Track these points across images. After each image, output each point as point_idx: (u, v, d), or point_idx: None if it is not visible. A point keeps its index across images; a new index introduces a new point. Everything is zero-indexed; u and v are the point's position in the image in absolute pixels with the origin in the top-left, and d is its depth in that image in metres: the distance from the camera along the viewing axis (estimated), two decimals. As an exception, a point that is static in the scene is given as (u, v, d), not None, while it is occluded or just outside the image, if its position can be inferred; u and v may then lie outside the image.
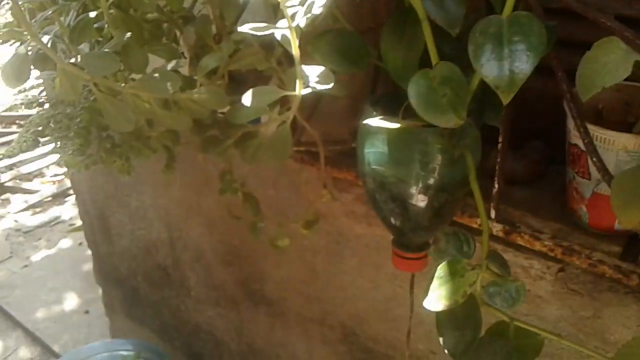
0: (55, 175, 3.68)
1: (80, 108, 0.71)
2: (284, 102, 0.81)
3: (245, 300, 1.32)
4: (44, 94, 0.98)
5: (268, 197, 1.07)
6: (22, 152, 0.74)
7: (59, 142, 0.72)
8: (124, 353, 1.69)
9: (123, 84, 0.68)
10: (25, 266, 2.82)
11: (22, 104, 0.87)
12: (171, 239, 1.41)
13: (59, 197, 3.46)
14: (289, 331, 1.26)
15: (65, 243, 3.01)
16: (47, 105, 0.79)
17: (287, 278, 1.18)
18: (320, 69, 0.62)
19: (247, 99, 0.66)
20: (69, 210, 3.32)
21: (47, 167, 3.73)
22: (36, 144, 0.76)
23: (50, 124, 0.72)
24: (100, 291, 2.61)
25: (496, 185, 0.74)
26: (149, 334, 1.72)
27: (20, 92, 0.85)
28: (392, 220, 0.70)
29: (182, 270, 1.44)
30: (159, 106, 0.72)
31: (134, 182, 1.38)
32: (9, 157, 0.73)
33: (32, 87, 0.90)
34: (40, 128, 0.79)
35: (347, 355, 1.16)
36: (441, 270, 0.60)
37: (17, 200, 3.45)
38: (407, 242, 0.72)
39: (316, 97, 0.82)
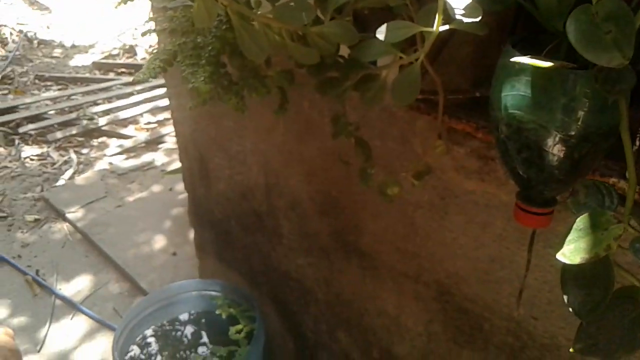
0: (149, 123, 3.84)
1: (211, 37, 0.71)
2: (410, 44, 0.78)
3: (338, 251, 1.32)
4: (157, 27, 1.00)
5: (374, 148, 1.06)
6: (151, 77, 0.76)
7: (189, 70, 0.73)
8: (213, 294, 1.76)
9: (257, 12, 0.67)
10: (119, 206, 2.98)
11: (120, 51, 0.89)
12: (268, 185, 1.43)
13: (151, 144, 3.60)
14: (380, 285, 1.25)
15: (157, 187, 3.14)
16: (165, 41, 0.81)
17: (384, 231, 1.17)
18: (466, 1, 0.59)
19: (381, 33, 0.64)
20: (161, 156, 3.46)
21: (141, 115, 3.89)
22: (164, 71, 0.77)
23: (182, 52, 0.73)
24: (190, 234, 2.71)
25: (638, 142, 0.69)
26: (237, 277, 1.77)
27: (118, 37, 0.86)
28: (522, 171, 0.67)
29: (275, 218, 1.46)
30: (288, 39, 0.71)
31: (236, 126, 1.41)
32: (139, 82, 0.75)
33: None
34: (166, 57, 0.81)
35: (440, 313, 1.14)
36: (581, 222, 0.56)
37: (113, 144, 3.62)
38: (535, 195, 0.68)
39: (444, 40, 0.79)
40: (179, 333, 1.72)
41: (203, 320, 1.75)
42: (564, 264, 0.56)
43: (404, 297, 1.21)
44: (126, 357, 1.59)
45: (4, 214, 2.98)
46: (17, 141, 3.62)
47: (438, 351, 1.19)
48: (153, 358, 1.63)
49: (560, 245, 0.58)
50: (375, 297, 1.28)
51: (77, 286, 2.53)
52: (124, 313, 2.36)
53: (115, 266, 2.60)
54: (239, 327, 1.66)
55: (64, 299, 2.46)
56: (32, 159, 3.47)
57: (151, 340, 1.68)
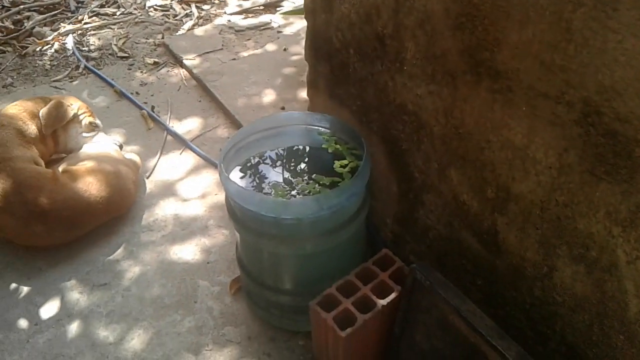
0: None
1: None
2: None
3: (467, 74, 1.19)
4: None
5: None
6: None
7: None
8: (321, 129, 1.71)
9: None
10: (233, 59, 2.97)
11: None
12: (398, 1, 1.30)
13: (270, 7, 3.53)
14: (510, 111, 1.12)
15: (272, 47, 3.10)
16: None
17: (529, 41, 1.02)
18: None
19: None
20: (278, 19, 3.39)
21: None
22: None
23: None
24: (299, 93, 2.68)
25: None
26: (347, 115, 1.70)
27: None
28: None
29: (400, 39, 1.34)
30: None
31: None
32: None
33: None
34: None
35: (579, 140, 1.00)
36: None
37: (232, 3, 3.59)
38: None
39: None
40: (282, 161, 1.70)
41: (307, 153, 1.72)
42: None
43: (537, 124, 1.08)
44: (230, 175, 1.59)
45: (126, 55, 3.07)
46: (143, -9, 3.68)
47: (567, 186, 1.06)
48: (254, 179, 1.62)
49: None
50: (502, 126, 1.16)
51: (187, 126, 2.59)
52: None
53: (226, 112, 2.63)
54: (344, 162, 1.61)
55: (175, 135, 2.53)
56: (155, 9, 3.52)
57: (254, 163, 1.68)
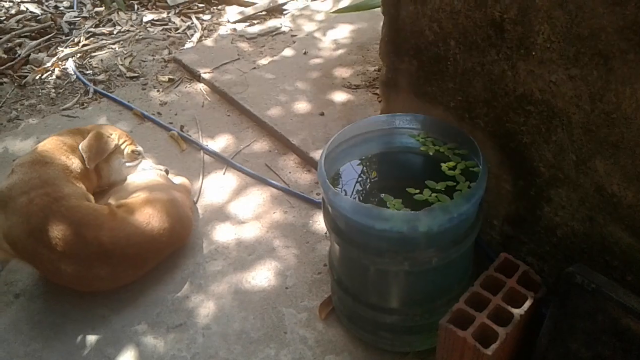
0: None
1: None
2: None
3: (626, 53, 1.08)
4: None
5: None
6: None
7: None
8: (413, 131, 1.58)
9: None
10: (254, 68, 2.81)
11: None
12: (526, -19, 1.19)
13: (273, 12, 3.38)
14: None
15: (289, 52, 2.95)
16: None
17: None
18: None
19: None
20: (287, 22, 3.24)
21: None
22: None
23: None
24: (335, 97, 2.55)
25: None
26: (441, 113, 1.58)
27: None
28: None
29: (528, 24, 1.23)
30: None
31: None
32: None
33: None
34: None
35: None
36: None
37: (232, 11, 3.42)
38: None
39: None
40: (379, 168, 1.56)
41: (405, 158, 1.58)
42: None
43: None
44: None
45: (136, 74, 2.87)
46: (136, 6, 3.47)
47: None
48: (353, 191, 1.48)
49: None
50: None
51: (221, 143, 2.42)
52: (282, 169, 2.26)
53: (261, 124, 2.47)
54: (451, 163, 1.48)
55: (214, 154, 2.36)
56: (153, 24, 3.32)
57: (349, 173, 1.53)
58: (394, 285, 1.48)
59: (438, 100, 1.55)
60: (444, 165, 1.48)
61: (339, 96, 2.57)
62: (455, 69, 1.46)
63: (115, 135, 1.97)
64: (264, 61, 2.87)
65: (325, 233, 2.00)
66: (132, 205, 1.76)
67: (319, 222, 2.03)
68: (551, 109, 1.28)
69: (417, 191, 1.42)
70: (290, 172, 2.25)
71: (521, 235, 1.53)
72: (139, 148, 2.02)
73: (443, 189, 1.42)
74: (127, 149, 1.97)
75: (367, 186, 1.53)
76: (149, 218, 1.74)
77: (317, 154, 2.23)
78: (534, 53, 1.25)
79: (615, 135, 1.18)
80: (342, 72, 2.73)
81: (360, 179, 1.54)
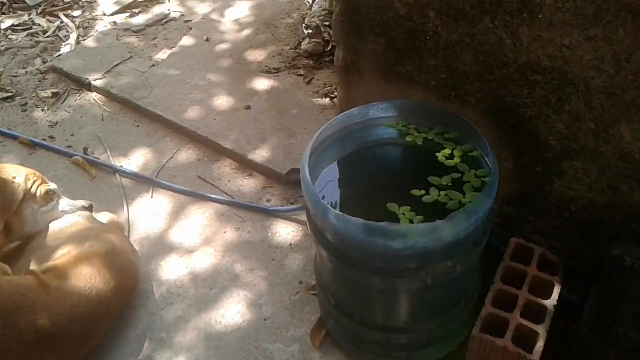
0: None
1: None
2: None
3: (663, 3, 0.94)
4: None
5: None
6: None
7: None
8: (389, 120, 1.37)
9: None
10: (153, 66, 2.43)
11: None
12: None
13: (154, -4, 2.96)
14: None
15: (188, 40, 2.59)
16: None
17: None
18: None
19: None
20: (175, 6, 2.86)
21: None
22: None
23: None
24: (257, 84, 2.27)
25: None
26: (419, 94, 1.38)
27: None
28: None
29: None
30: None
31: None
32: None
33: None
34: None
35: None
36: None
37: (105, 3, 2.96)
38: None
39: None
40: (366, 170, 1.35)
41: (392, 153, 1.38)
42: None
43: None
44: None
45: (9, 93, 2.38)
46: (-14, 10, 2.89)
47: None
48: (346, 201, 1.26)
49: None
50: None
51: (137, 160, 2.07)
52: (219, 179, 1.96)
53: (180, 130, 2.13)
54: (446, 151, 1.30)
55: (134, 175, 2.00)
56: (14, 30, 2.78)
57: (333, 179, 1.30)
58: (409, 303, 1.29)
59: (415, 80, 1.35)
60: (440, 155, 1.29)
61: (261, 83, 2.29)
62: (436, 43, 1.25)
63: (21, 177, 1.54)
64: (161, 55, 2.49)
65: (291, 244, 1.76)
66: (64, 267, 1.40)
67: (279, 233, 1.79)
68: (564, 76, 1.13)
69: (423, 192, 1.22)
70: (229, 181, 1.97)
71: (526, 214, 1.39)
72: (52, 185, 1.62)
73: (450, 184, 1.24)
74: (39, 190, 1.56)
75: (361, 193, 1.31)
76: (90, 280, 1.39)
77: (256, 155, 1.96)
78: (541, 16, 1.08)
79: (645, 97, 1.05)
80: (256, 55, 2.44)
81: (348, 185, 1.32)
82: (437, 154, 1.30)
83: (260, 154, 1.97)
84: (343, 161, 1.35)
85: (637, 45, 1.01)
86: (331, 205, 1.15)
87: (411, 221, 1.16)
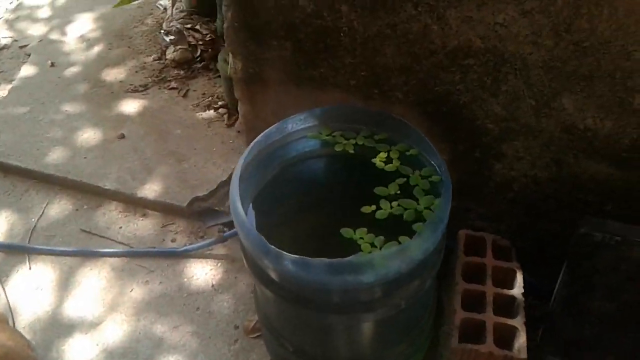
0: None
1: None
2: None
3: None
4: None
5: None
6: None
7: None
8: (311, 132, 1.21)
9: None
10: (-9, 106, 2.03)
11: None
12: None
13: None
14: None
15: (30, 70, 2.21)
16: None
17: None
18: None
19: None
20: (3, 31, 2.43)
21: None
22: None
23: None
24: (133, 109, 1.97)
25: None
26: (338, 97, 1.23)
27: None
28: None
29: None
30: None
31: None
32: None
33: None
34: None
35: None
36: None
37: None
38: None
39: None
40: (299, 188, 1.18)
41: (324, 167, 1.22)
42: None
43: None
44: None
45: None
46: None
47: None
48: (281, 234, 1.08)
49: None
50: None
51: (0, 227, 1.70)
52: (107, 228, 1.67)
53: (45, 179, 1.79)
54: (382, 155, 1.17)
55: (1, 247, 1.64)
56: None
57: (261, 212, 1.12)
58: (380, 331, 1.14)
59: (331, 82, 1.20)
60: (377, 161, 1.16)
61: (130, 106, 2.01)
62: (352, 39, 1.11)
63: None
64: (0, 93, 2.09)
65: (213, 285, 1.55)
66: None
67: (196, 276, 1.56)
68: (499, 55, 1.04)
69: (373, 207, 1.08)
70: (121, 228, 1.69)
71: (467, 202, 1.32)
72: None
73: (398, 192, 1.11)
74: None
75: (303, 221, 1.14)
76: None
77: (146, 191, 1.70)
78: (471, -8, 0.97)
79: (587, 65, 1.00)
80: (116, 74, 2.13)
81: (286, 215, 1.14)
82: (373, 160, 1.16)
83: (150, 189, 1.71)
84: (272, 187, 1.17)
85: (577, 13, 0.94)
86: (271, 242, 0.97)
87: (373, 244, 1.02)
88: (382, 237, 1.03)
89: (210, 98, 1.99)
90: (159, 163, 1.78)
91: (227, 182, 1.73)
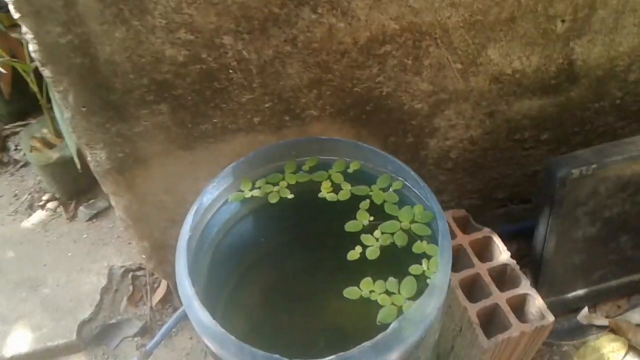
0: None
1: None
2: None
3: None
4: None
5: None
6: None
7: None
8: (242, 182, 0.97)
9: None
10: None
11: None
12: None
13: None
14: None
15: None
16: None
17: None
18: None
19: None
20: None
21: None
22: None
23: None
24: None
25: None
26: (240, 143, 1.00)
27: None
28: None
29: None
30: None
31: None
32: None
33: None
34: None
35: None
36: None
37: None
38: None
39: None
40: (259, 258, 0.95)
41: (270, 223, 0.99)
42: None
43: None
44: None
45: None
46: None
47: None
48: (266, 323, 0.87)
49: None
50: None
51: None
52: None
53: None
54: (326, 185, 0.98)
55: None
56: None
57: (235, 296, 0.89)
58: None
59: (231, 129, 0.96)
60: (324, 194, 0.97)
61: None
62: (246, 72, 0.88)
63: None
64: None
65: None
66: None
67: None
68: (417, 30, 0.90)
69: (359, 249, 0.90)
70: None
71: (408, 187, 1.20)
72: None
73: (372, 220, 0.94)
74: None
75: (271, 301, 0.91)
76: None
77: (13, 347, 1.31)
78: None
79: (509, 7, 0.91)
80: None
81: (263, 303, 0.91)
82: (319, 195, 0.97)
83: (18, 342, 1.31)
84: (217, 278, 0.92)
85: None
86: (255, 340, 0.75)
87: (387, 292, 0.85)
88: (393, 279, 0.86)
89: (28, 196, 1.58)
90: (10, 304, 1.38)
91: (109, 286, 1.40)
